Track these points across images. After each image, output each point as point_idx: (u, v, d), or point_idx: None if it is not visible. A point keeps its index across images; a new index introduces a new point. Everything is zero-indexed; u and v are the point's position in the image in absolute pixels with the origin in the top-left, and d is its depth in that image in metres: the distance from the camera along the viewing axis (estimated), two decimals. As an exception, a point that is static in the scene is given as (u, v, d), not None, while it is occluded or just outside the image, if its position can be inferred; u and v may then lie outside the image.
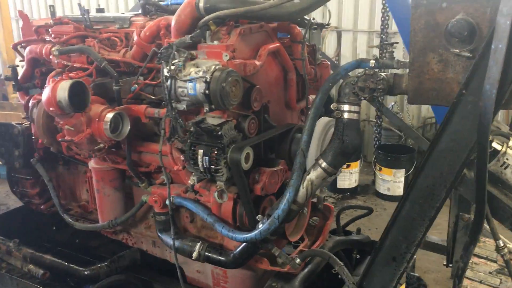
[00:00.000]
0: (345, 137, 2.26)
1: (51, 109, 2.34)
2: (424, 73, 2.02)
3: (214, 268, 3.10)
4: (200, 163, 2.44)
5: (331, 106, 2.29)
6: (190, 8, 2.50)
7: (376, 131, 6.23)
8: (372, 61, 2.40)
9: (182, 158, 2.55)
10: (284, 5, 2.40)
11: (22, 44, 3.39)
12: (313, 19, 3.28)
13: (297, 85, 3.09)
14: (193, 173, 2.57)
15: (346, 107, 2.26)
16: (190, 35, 2.49)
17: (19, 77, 3.40)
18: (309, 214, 3.03)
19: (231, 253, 2.68)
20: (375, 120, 6.40)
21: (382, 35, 5.97)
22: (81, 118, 2.54)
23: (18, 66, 3.41)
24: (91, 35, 3.02)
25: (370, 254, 3.57)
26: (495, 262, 2.80)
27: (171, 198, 2.82)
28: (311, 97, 3.28)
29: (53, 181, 3.52)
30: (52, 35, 3.12)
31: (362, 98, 2.16)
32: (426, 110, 6.89)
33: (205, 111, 2.42)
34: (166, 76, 2.42)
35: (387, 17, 5.80)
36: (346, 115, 2.26)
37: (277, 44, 2.83)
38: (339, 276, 2.49)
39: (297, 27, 2.98)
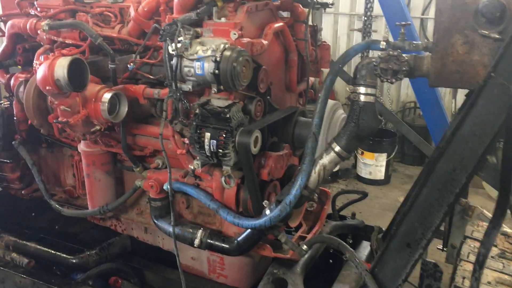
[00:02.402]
0: (361, 120, 2.18)
1: (47, 88, 2.16)
2: (448, 55, 1.96)
3: (210, 254, 3.01)
4: (206, 147, 2.32)
5: (347, 88, 2.21)
6: (195, -18, 2.36)
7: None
8: (383, 43, 2.33)
9: (187, 142, 2.42)
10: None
11: (2, 18, 3.16)
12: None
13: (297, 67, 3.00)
14: (197, 157, 2.45)
15: (362, 90, 2.19)
16: (196, 11, 2.35)
17: (-2, 54, 3.17)
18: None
19: (235, 240, 2.59)
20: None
21: (365, 17, 5.92)
22: (77, 99, 2.37)
23: (-2, 42, 3.17)
24: (81, 10, 2.83)
25: (363, 238, 3.59)
26: (496, 246, 2.82)
27: (167, 184, 2.69)
28: (311, 79, 3.20)
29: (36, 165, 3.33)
30: (38, 9, 2.91)
31: (385, 80, 2.09)
32: (405, 94, 6.94)
33: (212, 92, 2.30)
34: (170, 54, 2.28)
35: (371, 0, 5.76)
36: (362, 98, 2.19)
37: (282, 23, 2.72)
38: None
39: (300, 5, 2.87)
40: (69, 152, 3.34)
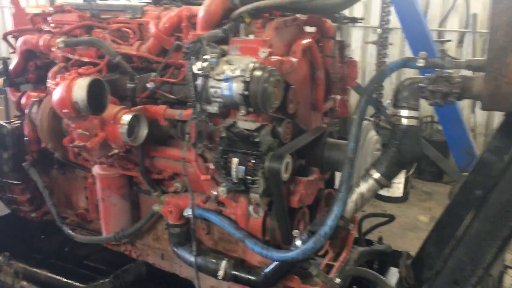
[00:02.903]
0: (403, 145, 2.01)
1: (64, 111, 2.01)
2: (503, 76, 1.79)
3: (231, 284, 2.82)
4: (234, 173, 2.16)
5: (388, 111, 2.04)
6: (222, -3, 2.21)
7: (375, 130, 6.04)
8: (421, 60, 2.17)
9: (212, 167, 2.25)
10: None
11: (14, 34, 3.02)
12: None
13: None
14: (222, 183, 2.28)
15: (405, 112, 2.02)
16: (222, 28, 2.20)
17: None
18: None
19: (262, 272, 2.41)
20: (372, 119, 6.22)
21: (381, 29, 5.76)
22: (94, 121, 2.22)
23: (9, 58, 3.03)
24: (98, 26, 2.68)
25: (390, 264, 3.40)
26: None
27: (190, 209, 2.52)
28: (337, 97, 3.04)
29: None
30: (52, 25, 2.76)
31: (434, 103, 1.92)
32: (422, 109, 6.74)
33: (240, 114, 2.14)
34: (195, 74, 2.12)
35: (388, 11, 5.60)
36: (404, 121, 2.02)
37: (310, 40, 2.56)
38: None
39: (328, 20, 2.72)
40: (82, 173, 3.18)
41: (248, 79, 2.04)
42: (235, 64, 2.14)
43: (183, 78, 2.49)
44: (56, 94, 2.03)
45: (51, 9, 2.75)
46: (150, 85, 2.43)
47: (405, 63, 2.26)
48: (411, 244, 5.02)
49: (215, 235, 2.78)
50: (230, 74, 2.09)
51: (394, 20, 5.43)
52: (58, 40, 2.49)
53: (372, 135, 2.58)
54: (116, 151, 2.34)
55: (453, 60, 2.16)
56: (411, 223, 5.42)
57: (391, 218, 3.36)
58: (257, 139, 2.12)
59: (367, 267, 3.20)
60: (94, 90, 2.05)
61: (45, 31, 2.83)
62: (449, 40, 2.03)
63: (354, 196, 2.11)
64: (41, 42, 2.79)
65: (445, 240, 3.12)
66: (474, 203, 2.91)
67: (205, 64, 2.10)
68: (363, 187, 2.10)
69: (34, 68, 3.00)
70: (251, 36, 2.21)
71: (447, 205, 2.96)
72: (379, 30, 5.67)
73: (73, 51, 2.58)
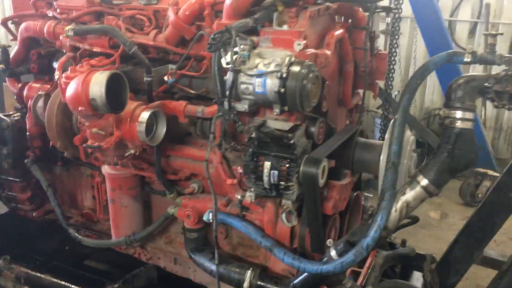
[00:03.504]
0: (457, 150, 1.82)
1: (80, 108, 1.79)
2: None
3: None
4: (265, 178, 1.96)
5: (441, 112, 1.85)
6: (252, -18, 1.98)
7: (382, 123, 5.86)
8: (468, 55, 1.98)
9: (240, 171, 2.05)
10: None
11: (15, 20, 2.77)
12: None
13: (352, 78, 2.63)
14: (250, 188, 2.08)
15: (459, 114, 1.82)
16: (253, 17, 1.98)
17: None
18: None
19: (291, 283, 2.22)
20: (378, 111, 6.02)
21: (390, 18, 5.55)
22: (110, 119, 2.00)
23: (9, 46, 2.78)
24: (108, 12, 2.45)
25: (414, 268, 3.24)
26: None
27: (211, 214, 2.32)
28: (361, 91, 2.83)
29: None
30: (58, 10, 2.53)
31: (501, 106, 1.72)
32: (430, 101, 6.58)
33: (274, 113, 1.93)
34: (222, 68, 1.91)
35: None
36: (459, 124, 1.82)
37: (342, 31, 2.35)
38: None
39: (361, 10, 2.50)
40: (88, 171, 2.96)
41: (284, 75, 1.83)
42: (268, 57, 1.93)
43: (204, 71, 2.28)
44: (70, 90, 1.81)
45: (58, -7, 2.51)
46: (169, 79, 2.21)
47: (451, 57, 2.07)
48: (424, 242, 4.87)
49: (234, 239, 2.60)
50: (263, 69, 1.88)
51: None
52: (67, 27, 2.26)
53: (408, 135, 2.39)
54: (132, 151, 2.13)
55: (504, 56, 1.97)
56: (422, 220, 5.22)
57: (415, 219, 3.18)
58: (292, 141, 1.92)
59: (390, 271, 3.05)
60: (113, 85, 1.83)
61: (50, 17, 2.59)
62: (501, 33, 1.84)
63: (398, 205, 1.92)
64: (45, 29, 2.55)
65: (476, 245, 2.96)
66: (509, 206, 2.76)
67: (235, 57, 1.89)
68: (409, 195, 1.91)
69: (37, 57, 2.77)
70: (285, 27, 2.00)
71: (477, 208, 2.79)
72: (388, 19, 5.47)
73: (83, 40, 2.34)
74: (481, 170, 5.26)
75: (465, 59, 2.02)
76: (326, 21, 2.29)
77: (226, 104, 1.98)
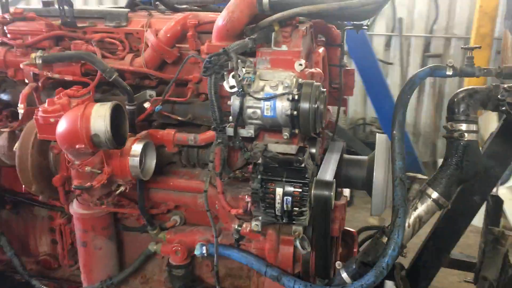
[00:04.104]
0: (465, 162, 1.86)
1: (77, 146, 1.57)
2: None
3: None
4: (278, 206, 1.86)
5: (444, 126, 1.89)
6: (247, 3, 1.89)
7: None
8: (449, 68, 2.08)
9: (248, 200, 1.93)
10: (366, 2, 1.91)
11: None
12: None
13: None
14: (258, 217, 1.97)
15: (464, 126, 1.87)
16: (251, 37, 1.89)
17: None
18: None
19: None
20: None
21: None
22: (101, 155, 1.79)
23: None
24: (71, 36, 2.22)
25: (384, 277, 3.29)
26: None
27: (204, 247, 2.18)
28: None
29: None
30: (8, 36, 2.24)
31: (515, 117, 1.79)
32: (354, 111, 6.85)
33: (284, 137, 1.85)
34: (216, 92, 1.80)
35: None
36: (466, 136, 1.87)
37: (323, 49, 2.34)
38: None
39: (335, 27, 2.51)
40: (43, 213, 2.65)
41: (296, 97, 1.76)
42: (269, 79, 1.85)
43: (191, 96, 2.14)
44: (63, 126, 1.58)
45: (6, 16, 2.22)
46: (154, 106, 2.04)
47: (433, 71, 2.15)
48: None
49: (221, 271, 2.45)
50: (271, 91, 1.80)
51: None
52: (34, 54, 2.00)
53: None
54: (122, 188, 1.92)
55: (483, 68, 2.08)
56: (363, 225, 5.42)
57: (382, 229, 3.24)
58: (303, 164, 1.85)
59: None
60: (112, 117, 1.63)
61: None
62: (478, 47, 1.91)
63: (411, 220, 1.92)
64: (-6, 57, 2.25)
65: (444, 249, 3.09)
66: (473, 209, 2.91)
67: (239, 80, 1.78)
68: (421, 209, 1.92)
69: (-20, 90, 2.44)
70: (284, 47, 1.93)
71: (443, 213, 2.91)
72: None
73: (48, 68, 2.09)
74: (411, 174, 5.55)
75: (447, 72, 2.11)
76: (309, 39, 2.26)
77: (229, 130, 1.87)
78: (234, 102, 1.81)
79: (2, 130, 2.03)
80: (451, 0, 6.27)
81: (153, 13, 2.36)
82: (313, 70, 2.01)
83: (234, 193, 2.16)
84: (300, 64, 1.89)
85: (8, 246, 2.46)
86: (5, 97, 2.45)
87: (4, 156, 2.06)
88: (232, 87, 1.80)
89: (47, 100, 1.80)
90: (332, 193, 1.88)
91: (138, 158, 1.86)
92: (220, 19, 1.95)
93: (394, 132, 2.03)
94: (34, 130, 1.88)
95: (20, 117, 2.00)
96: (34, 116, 1.80)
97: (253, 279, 2.41)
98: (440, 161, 2.07)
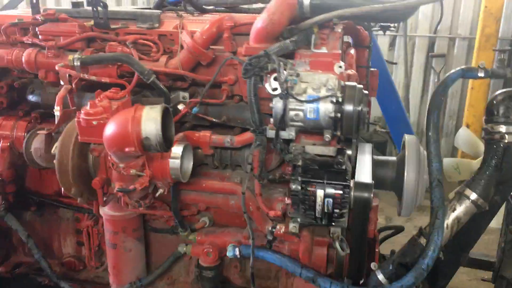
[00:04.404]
0: (504, 163, 1.88)
1: (127, 149, 1.56)
2: None
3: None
4: (318, 208, 1.87)
5: (484, 128, 1.91)
6: (288, 5, 1.90)
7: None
8: (481, 70, 2.09)
9: (288, 201, 1.94)
10: (410, 4, 1.91)
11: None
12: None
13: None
14: (295, 219, 1.98)
15: (503, 128, 1.89)
16: (293, 40, 1.89)
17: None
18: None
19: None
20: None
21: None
22: (143, 158, 1.79)
23: (-27, 79, 2.40)
24: (103, 38, 2.21)
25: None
26: None
27: (237, 249, 2.18)
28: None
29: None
30: (40, 37, 2.23)
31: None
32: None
33: (326, 139, 1.86)
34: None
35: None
36: (507, 138, 1.89)
37: (354, 51, 2.35)
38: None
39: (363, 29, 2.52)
40: (68, 214, 2.64)
41: (340, 99, 1.77)
42: (310, 81, 1.85)
43: (227, 97, 2.14)
44: (112, 129, 1.58)
45: (39, 17, 2.20)
46: (195, 108, 2.04)
47: (465, 73, 2.16)
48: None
49: (248, 271, 2.46)
50: (314, 94, 1.80)
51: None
52: (72, 56, 1.99)
53: (422, 150, 2.45)
54: (162, 190, 1.92)
55: (514, 70, 2.10)
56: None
57: (401, 229, 3.26)
58: (343, 166, 1.86)
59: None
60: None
61: (28, 45, 2.28)
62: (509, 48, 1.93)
63: (449, 222, 1.94)
64: (24, 58, 2.23)
65: (463, 248, 3.11)
66: (493, 208, 2.94)
67: (282, 82, 1.79)
68: (460, 210, 1.94)
69: (7, 90, 2.41)
70: (324, 49, 1.94)
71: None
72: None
73: (84, 70, 2.07)
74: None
75: (479, 74, 2.12)
76: (342, 41, 2.27)
77: (270, 132, 1.88)
78: (277, 104, 1.82)
79: (38, 132, 2.01)
80: (456, 1, 6.31)
81: (182, 14, 2.36)
82: (349, 71, 2.02)
83: (267, 194, 2.17)
84: (340, 66, 1.89)
85: (36, 249, 2.45)
86: (33, 98, 2.43)
87: (40, 158, 2.05)
88: (274, 89, 1.81)
89: (89, 103, 1.79)
90: (372, 195, 1.89)
91: (179, 161, 1.85)
92: (259, 21, 1.95)
93: (430, 134, 2.05)
94: (74, 133, 1.87)
95: (56, 119, 1.99)
96: (75, 119, 1.79)
97: (282, 280, 2.43)
98: (443, 160, 2.09)
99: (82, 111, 1.77)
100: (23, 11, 2.71)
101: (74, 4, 2.34)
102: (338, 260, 2.15)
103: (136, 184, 1.77)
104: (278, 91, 1.80)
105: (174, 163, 1.86)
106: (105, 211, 2.27)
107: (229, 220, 2.38)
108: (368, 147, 2.38)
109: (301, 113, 1.81)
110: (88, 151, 1.90)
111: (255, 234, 2.25)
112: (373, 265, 2.06)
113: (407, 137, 2.37)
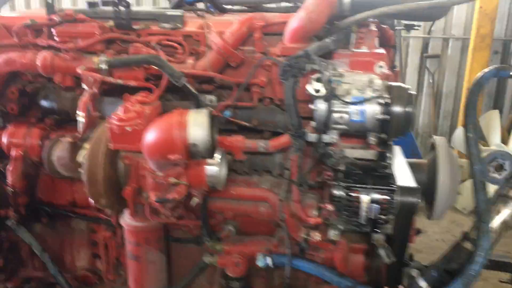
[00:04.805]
0: (555, 164, 1.83)
1: (171, 156, 1.45)
2: None
3: None
4: (364, 214, 1.79)
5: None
6: (329, 2, 1.81)
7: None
8: None
9: (330, 207, 1.84)
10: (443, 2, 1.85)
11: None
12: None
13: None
14: (336, 226, 1.89)
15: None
16: (333, 39, 1.81)
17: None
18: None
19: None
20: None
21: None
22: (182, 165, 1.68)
23: (-18, 83, 2.26)
24: (124, 39, 2.09)
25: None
26: None
27: (268, 258, 2.09)
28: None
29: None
30: (57, 38, 2.10)
31: None
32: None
33: (371, 142, 1.78)
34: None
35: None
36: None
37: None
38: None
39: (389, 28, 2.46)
40: (82, 225, 2.51)
41: (388, 101, 1.70)
42: (351, 82, 1.78)
43: (258, 101, 2.05)
44: (154, 135, 1.47)
45: (55, 18, 2.08)
46: (226, 112, 1.94)
47: (498, 71, 2.11)
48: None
49: (276, 281, 2.36)
50: (359, 95, 1.72)
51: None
52: (97, 58, 1.87)
53: (452, 152, 2.39)
54: (196, 199, 1.82)
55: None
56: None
57: (418, 231, 3.20)
58: (388, 170, 1.78)
59: None
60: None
61: (41, 47, 2.15)
62: None
63: (495, 225, 1.87)
64: (40, 62, 2.10)
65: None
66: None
67: (327, 83, 1.71)
68: (506, 213, 1.88)
69: (19, 96, 2.28)
70: (364, 48, 1.86)
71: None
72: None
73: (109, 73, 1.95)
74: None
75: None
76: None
77: (311, 136, 1.79)
78: (320, 106, 1.74)
79: (61, 140, 1.88)
80: (449, 1, 6.32)
81: (203, 14, 2.26)
82: (388, 71, 1.95)
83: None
84: (381, 66, 1.83)
85: (52, 264, 2.31)
86: (47, 104, 2.30)
87: (63, 167, 1.92)
88: (317, 91, 1.72)
89: (121, 108, 1.68)
90: (418, 199, 1.81)
91: (217, 168, 1.75)
92: (296, 20, 1.86)
93: (470, 135, 1.98)
94: (104, 140, 1.75)
95: (79, 126, 1.86)
96: (104, 125, 1.68)
97: (312, 289, 2.34)
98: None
99: (114, 117, 1.66)
100: (30, 11, 2.58)
101: (91, 4, 2.21)
102: (376, 267, 2.08)
103: (175, 194, 1.66)
104: (321, 93, 1.72)
105: (212, 170, 1.75)
106: (127, 222, 2.14)
107: (255, 228, 2.29)
108: (398, 149, 2.32)
109: (345, 116, 1.74)
110: (118, 159, 1.78)
111: (284, 241, 2.17)
112: (414, 272, 1.98)
113: (437, 139, 2.31)
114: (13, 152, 2.22)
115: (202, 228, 2.14)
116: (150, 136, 1.48)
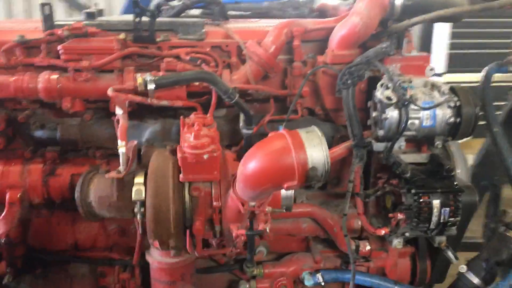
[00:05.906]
0: None
1: (287, 184, 1.28)
2: None
3: None
4: (435, 218, 1.77)
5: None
6: (382, 6, 1.76)
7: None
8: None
9: (402, 217, 1.79)
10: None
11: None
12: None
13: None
14: (400, 234, 1.86)
15: None
16: (388, 43, 1.77)
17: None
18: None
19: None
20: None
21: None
22: (267, 191, 1.52)
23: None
24: (142, 53, 1.84)
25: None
26: None
27: (317, 275, 2.01)
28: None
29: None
30: (63, 56, 1.78)
31: None
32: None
33: (438, 145, 1.77)
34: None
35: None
36: None
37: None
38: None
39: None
40: (82, 270, 2.17)
41: (458, 103, 1.70)
42: (415, 87, 1.75)
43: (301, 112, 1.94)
44: (262, 163, 1.28)
45: (66, 32, 1.74)
46: (281, 127, 1.80)
47: (499, 66, 2.24)
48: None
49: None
50: (428, 99, 1.70)
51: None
52: (142, 78, 1.60)
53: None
54: (269, 226, 1.65)
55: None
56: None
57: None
58: (453, 173, 1.79)
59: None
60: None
61: (38, 68, 1.81)
62: None
63: (538, 213, 1.98)
64: (40, 85, 1.75)
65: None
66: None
67: (398, 90, 1.66)
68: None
69: (4, 127, 1.89)
70: (414, 52, 1.85)
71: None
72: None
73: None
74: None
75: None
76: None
77: (379, 145, 1.73)
78: (392, 114, 1.68)
79: (106, 176, 1.57)
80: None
81: (218, 22, 2.08)
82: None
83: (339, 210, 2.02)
84: (431, 69, 1.83)
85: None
86: (43, 133, 1.94)
87: (109, 208, 1.60)
88: (389, 98, 1.67)
89: (193, 133, 1.46)
90: (477, 198, 1.85)
91: (292, 191, 1.61)
92: (346, 26, 1.78)
93: (495, 129, 2.06)
94: (169, 172, 1.51)
95: (123, 158, 1.58)
96: (179, 155, 1.45)
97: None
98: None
99: (186, 144, 1.44)
100: (13, 23, 2.17)
101: (89, 15, 1.91)
102: (421, 268, 2.09)
103: (265, 223, 1.49)
104: (393, 100, 1.66)
105: (288, 193, 1.61)
106: (159, 259, 1.89)
107: (285, 246, 2.18)
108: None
109: (417, 121, 1.70)
110: (184, 192, 1.55)
111: (325, 255, 2.09)
112: (461, 268, 2.02)
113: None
114: (8, 196, 1.84)
115: (249, 253, 1.96)
116: (256, 163, 1.29)
